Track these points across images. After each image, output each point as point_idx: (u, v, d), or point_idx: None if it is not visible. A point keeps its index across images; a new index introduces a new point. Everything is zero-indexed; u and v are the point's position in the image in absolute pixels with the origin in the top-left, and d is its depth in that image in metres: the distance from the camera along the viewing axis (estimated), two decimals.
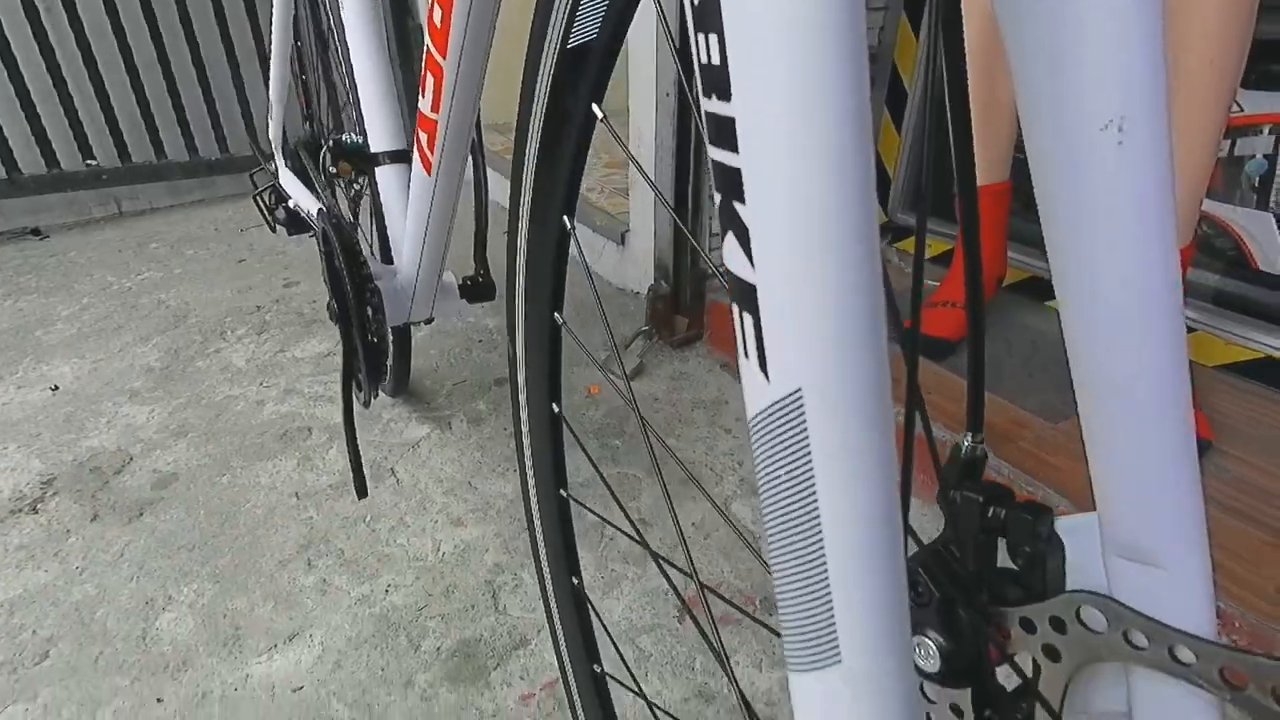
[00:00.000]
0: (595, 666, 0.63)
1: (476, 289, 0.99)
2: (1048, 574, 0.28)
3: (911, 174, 1.96)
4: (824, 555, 0.20)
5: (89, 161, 2.75)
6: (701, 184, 1.64)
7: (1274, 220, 1.42)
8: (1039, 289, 1.72)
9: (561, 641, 0.66)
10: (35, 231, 2.75)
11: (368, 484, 1.11)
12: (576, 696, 0.65)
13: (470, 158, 0.88)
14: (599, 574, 1.15)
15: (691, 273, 1.74)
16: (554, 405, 0.63)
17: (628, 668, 0.99)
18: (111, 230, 2.73)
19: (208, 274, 2.32)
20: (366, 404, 1.03)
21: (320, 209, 0.98)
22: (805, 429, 0.22)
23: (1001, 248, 1.59)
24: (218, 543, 1.23)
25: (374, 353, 0.92)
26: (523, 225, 0.54)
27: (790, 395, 0.22)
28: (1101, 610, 0.26)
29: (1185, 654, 0.24)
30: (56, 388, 1.71)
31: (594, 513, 0.68)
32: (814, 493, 0.22)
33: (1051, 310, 1.68)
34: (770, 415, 0.23)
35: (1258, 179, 1.43)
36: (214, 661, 1.02)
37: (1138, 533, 0.25)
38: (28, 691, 0.97)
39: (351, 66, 0.97)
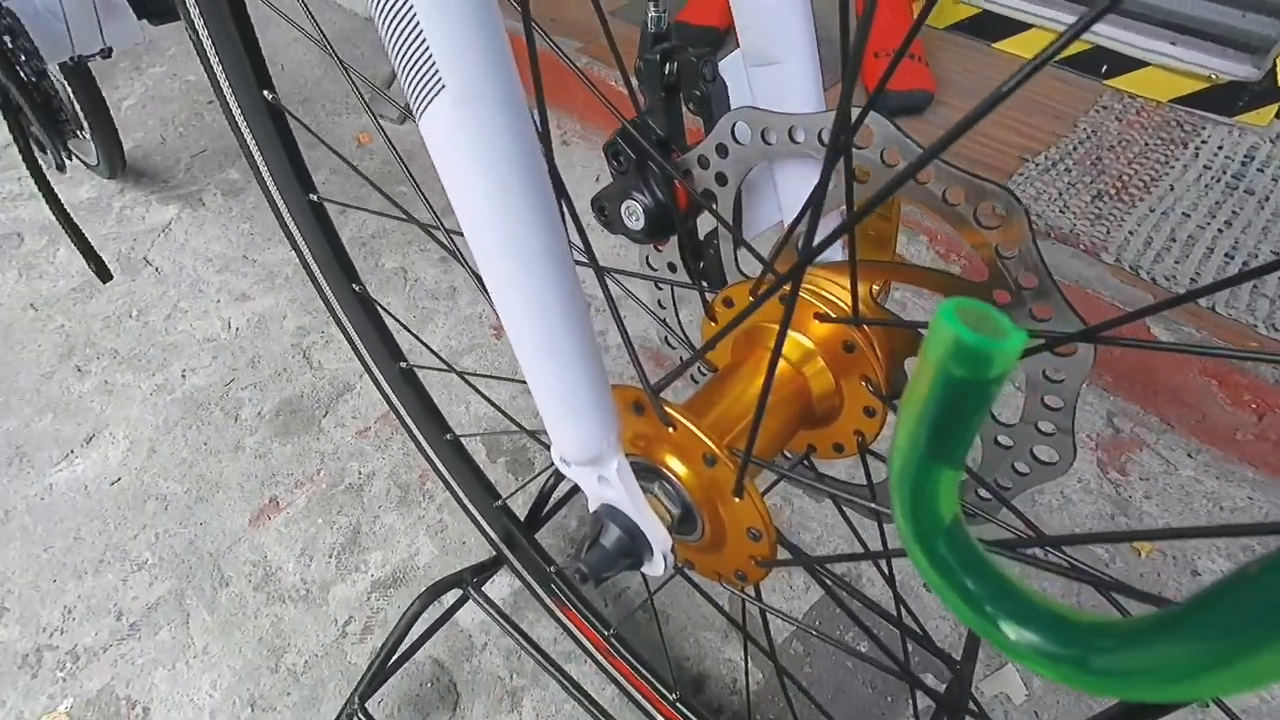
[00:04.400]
0: (401, 364, 0.66)
1: (155, 2, 0.80)
2: (714, 111, 0.33)
3: None
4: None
5: None
6: None
7: None
8: None
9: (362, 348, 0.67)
10: None
11: (113, 272, 0.98)
12: (390, 393, 0.70)
13: None
14: (410, 314, 1.16)
15: None
16: (310, 195, 0.56)
17: (440, 357, 1.05)
18: None
19: None
20: (60, 166, 0.86)
21: None
22: None
23: None
24: None
25: (41, 97, 0.74)
26: None
27: None
28: (746, 120, 0.31)
29: (799, 132, 0.30)
30: None
31: (387, 312, 0.65)
32: None
33: None
34: None
35: None
36: (11, 479, 0.94)
37: (761, 36, 0.29)
38: None
39: None
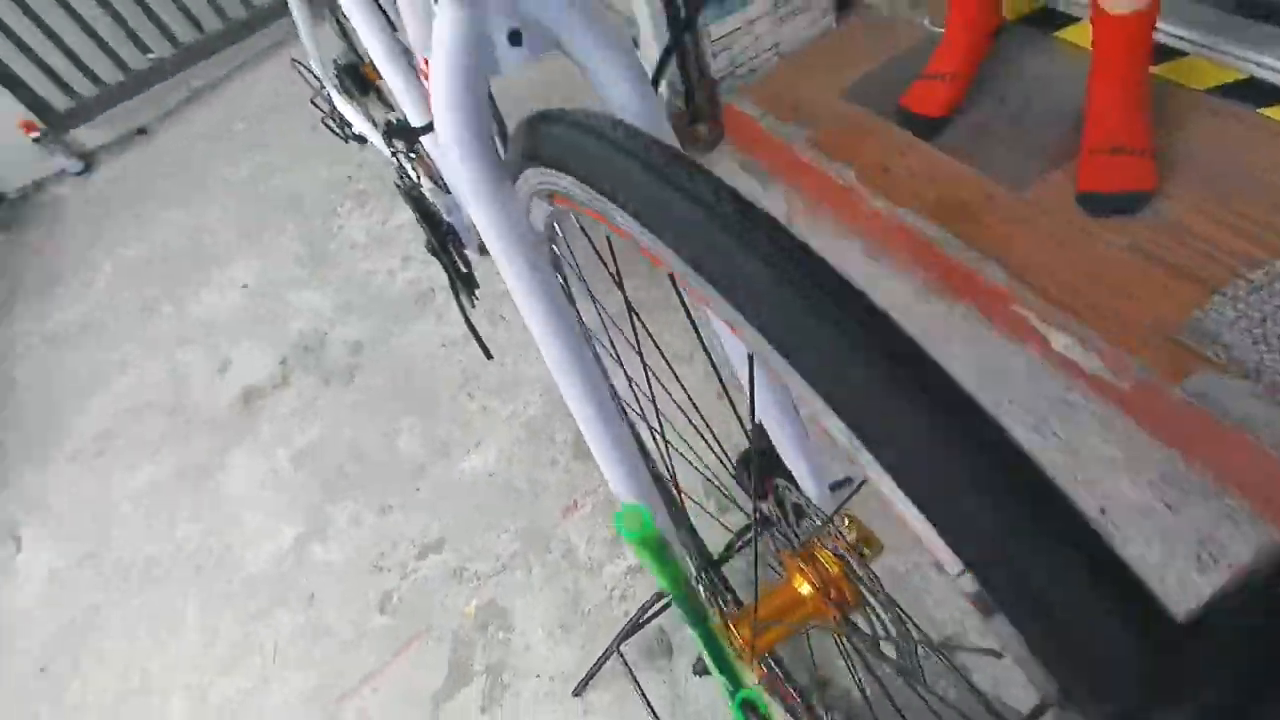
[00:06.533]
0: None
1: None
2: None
3: None
4: None
5: (149, 55, 2.98)
6: None
7: None
8: (1050, 19, 1.70)
9: None
10: (141, 130, 3.13)
11: (482, 325, 1.60)
12: None
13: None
14: None
15: (701, 80, 1.87)
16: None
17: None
18: (197, 115, 3.05)
19: (298, 148, 2.65)
20: (473, 305, 1.46)
21: (396, 183, 1.30)
22: None
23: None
24: (409, 388, 1.82)
25: (468, 276, 1.32)
26: None
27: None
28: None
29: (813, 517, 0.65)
30: (247, 285, 2.26)
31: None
32: None
33: (1060, 41, 1.69)
34: None
35: None
36: (441, 464, 1.65)
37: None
38: (345, 495, 1.67)
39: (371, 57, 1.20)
